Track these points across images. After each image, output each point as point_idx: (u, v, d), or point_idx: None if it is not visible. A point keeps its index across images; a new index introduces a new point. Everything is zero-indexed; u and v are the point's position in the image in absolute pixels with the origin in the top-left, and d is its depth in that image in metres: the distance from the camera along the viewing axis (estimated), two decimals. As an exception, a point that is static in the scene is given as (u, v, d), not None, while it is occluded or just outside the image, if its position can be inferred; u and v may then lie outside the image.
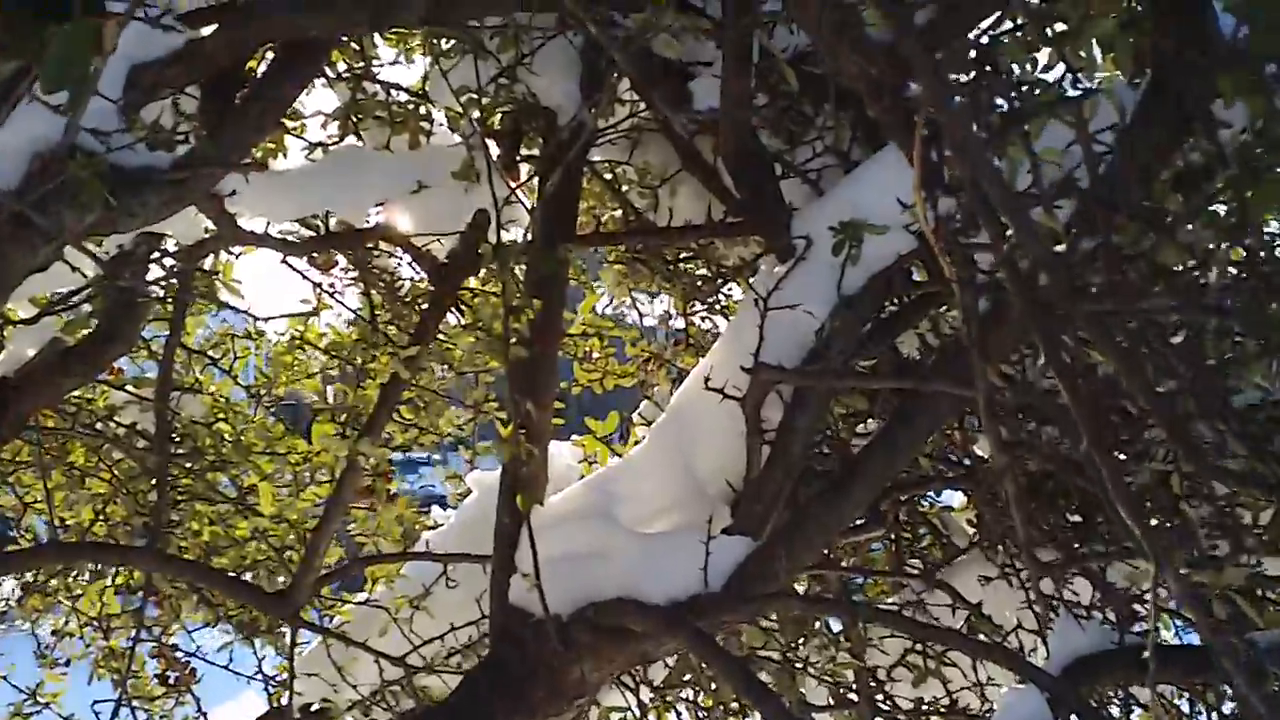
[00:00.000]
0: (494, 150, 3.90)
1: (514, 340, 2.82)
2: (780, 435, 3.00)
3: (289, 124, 4.23)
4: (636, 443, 3.89)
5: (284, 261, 3.81)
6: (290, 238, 3.69)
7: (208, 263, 4.06)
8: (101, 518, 4.24)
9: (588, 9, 2.65)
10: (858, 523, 3.44)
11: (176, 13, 2.76)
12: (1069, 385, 1.46)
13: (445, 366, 4.48)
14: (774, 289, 2.96)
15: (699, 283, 4.32)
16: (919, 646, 3.70)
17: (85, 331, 3.67)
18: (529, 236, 3.65)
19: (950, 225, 1.82)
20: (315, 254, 4.15)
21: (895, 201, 2.93)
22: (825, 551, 3.52)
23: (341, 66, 4.26)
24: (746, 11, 3.05)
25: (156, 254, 3.79)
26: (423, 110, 4.15)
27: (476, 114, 3.73)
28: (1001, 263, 1.46)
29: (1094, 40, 1.70)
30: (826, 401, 3.06)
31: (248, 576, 4.27)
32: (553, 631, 2.88)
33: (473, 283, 4.22)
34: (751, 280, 3.16)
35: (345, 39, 3.91)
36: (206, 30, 2.75)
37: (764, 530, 2.98)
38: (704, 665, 3.51)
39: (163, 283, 3.88)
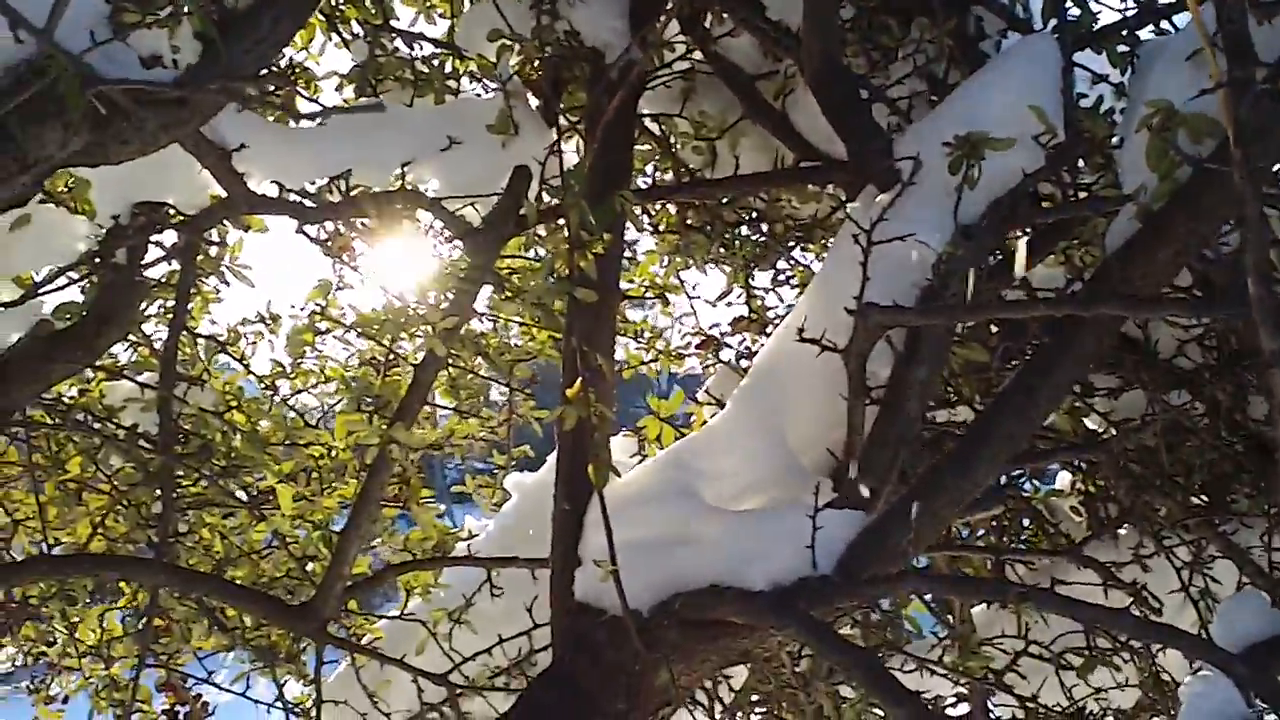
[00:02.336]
0: (533, 103, 3.48)
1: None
2: (892, 392, 2.55)
3: (301, 87, 3.83)
4: (704, 424, 3.43)
5: (299, 231, 3.36)
6: (306, 202, 3.24)
7: (214, 235, 3.63)
8: (100, 532, 3.79)
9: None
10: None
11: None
12: None
13: (480, 358, 4.04)
14: (879, 219, 2.51)
15: (760, 249, 3.86)
16: (1032, 648, 3.26)
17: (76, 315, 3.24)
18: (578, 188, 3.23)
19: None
20: (333, 227, 3.71)
21: (1019, 112, 2.50)
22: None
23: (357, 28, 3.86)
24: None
25: (157, 227, 3.35)
26: (448, 68, 3.74)
27: (513, 59, 3.33)
28: None
29: None
30: (947, 349, 2.60)
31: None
32: (633, 629, 2.41)
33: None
34: (849, 212, 2.71)
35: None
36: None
37: (876, 505, 2.52)
38: (816, 659, 3.01)
39: (165, 261, 3.43)
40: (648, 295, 4.22)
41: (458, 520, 4.33)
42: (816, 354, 2.56)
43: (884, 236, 2.49)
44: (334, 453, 3.74)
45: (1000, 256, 2.82)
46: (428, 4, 3.94)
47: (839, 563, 2.38)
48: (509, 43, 3.28)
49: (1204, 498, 3.16)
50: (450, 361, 3.56)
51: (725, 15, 3.27)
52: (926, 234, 2.51)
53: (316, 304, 3.89)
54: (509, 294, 3.78)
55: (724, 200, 3.77)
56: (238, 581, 3.80)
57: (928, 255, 2.51)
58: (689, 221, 3.91)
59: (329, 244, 3.93)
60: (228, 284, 3.68)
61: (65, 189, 3.42)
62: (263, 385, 3.90)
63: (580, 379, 2.36)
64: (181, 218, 3.29)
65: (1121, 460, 2.99)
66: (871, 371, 2.58)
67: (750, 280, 4.01)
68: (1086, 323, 2.43)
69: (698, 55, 3.53)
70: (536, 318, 3.81)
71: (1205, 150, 2.29)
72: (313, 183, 3.46)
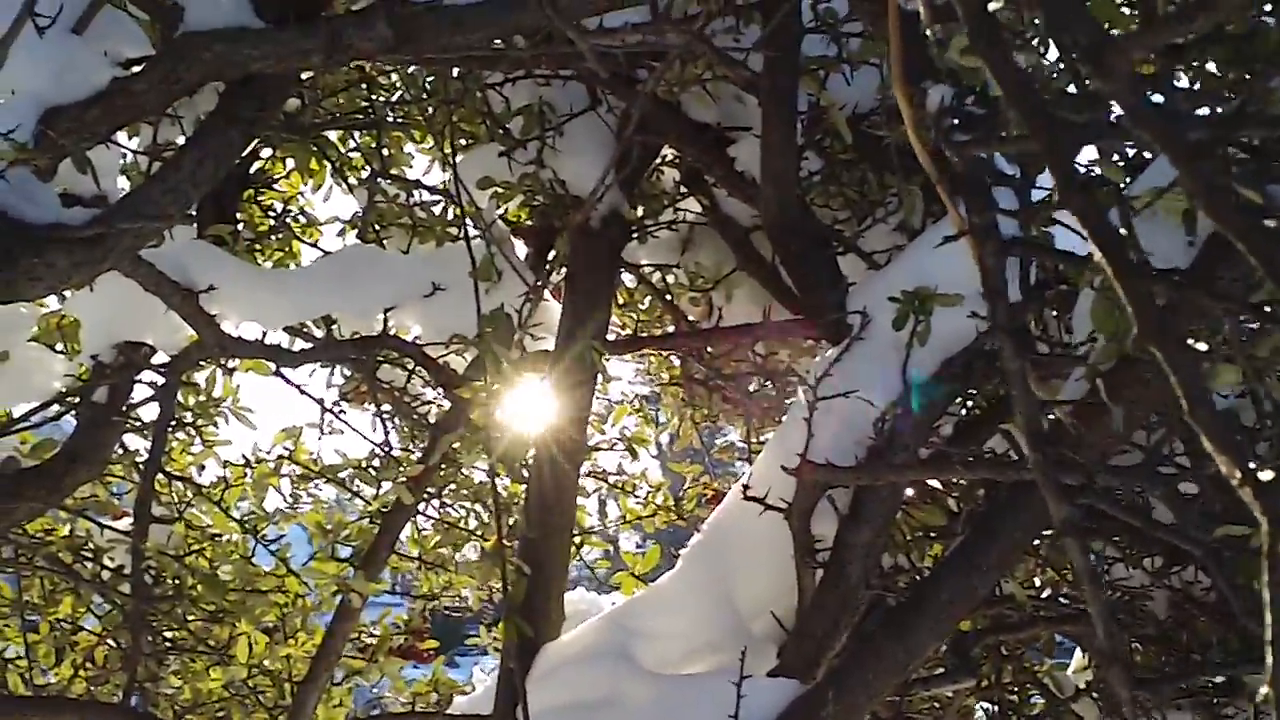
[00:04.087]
0: (521, 250, 3.45)
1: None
2: (834, 554, 2.42)
3: (301, 231, 3.86)
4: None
5: (277, 373, 3.34)
6: (285, 345, 3.22)
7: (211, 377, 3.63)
8: (80, 673, 3.74)
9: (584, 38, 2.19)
10: (939, 671, 2.82)
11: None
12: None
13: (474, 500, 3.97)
14: (823, 375, 2.42)
15: (765, 404, 3.76)
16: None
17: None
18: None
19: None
20: (349, 373, 3.69)
21: (973, 267, 2.40)
22: (899, 704, 2.88)
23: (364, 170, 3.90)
24: (789, 53, 2.58)
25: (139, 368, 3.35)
26: (450, 214, 3.74)
27: (496, 203, 3.32)
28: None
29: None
30: (892, 512, 2.47)
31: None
32: (548, 799, 2.29)
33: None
34: (805, 369, 2.62)
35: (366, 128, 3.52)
36: (136, 69, 2.33)
37: (814, 672, 2.38)
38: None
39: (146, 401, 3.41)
40: (616, 447, 4.12)
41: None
42: (762, 514, 2.45)
43: (830, 392, 2.39)
44: (299, 601, 3.67)
45: (967, 414, 2.70)
46: (443, 151, 3.96)
47: (766, 735, 2.25)
48: (498, 189, 3.27)
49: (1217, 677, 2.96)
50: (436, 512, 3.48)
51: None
52: (873, 391, 2.40)
53: (284, 448, 3.87)
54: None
55: (716, 354, 3.68)
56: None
57: (874, 413, 2.40)
58: (694, 376, 3.83)
59: (345, 395, 3.92)
60: (215, 427, 3.66)
61: (56, 327, 3.45)
62: (244, 529, 3.85)
63: (497, 535, 2.28)
64: (161, 359, 3.29)
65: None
66: (820, 534, 2.46)
67: (754, 435, 3.90)
68: (1034, 487, 2.29)
69: (696, 206, 3.48)
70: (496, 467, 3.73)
71: (1157, 308, 2.16)
72: (303, 326, 3.46)
